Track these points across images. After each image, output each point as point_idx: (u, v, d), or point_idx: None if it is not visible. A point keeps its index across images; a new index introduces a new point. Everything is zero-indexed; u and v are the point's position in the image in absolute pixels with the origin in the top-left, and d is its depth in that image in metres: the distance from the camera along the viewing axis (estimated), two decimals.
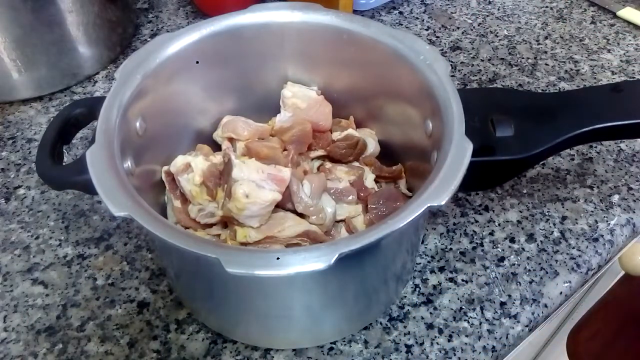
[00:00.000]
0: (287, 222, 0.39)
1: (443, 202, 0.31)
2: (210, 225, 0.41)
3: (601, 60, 0.64)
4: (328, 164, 0.46)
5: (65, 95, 0.61)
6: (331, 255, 0.28)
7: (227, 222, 0.40)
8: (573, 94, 0.48)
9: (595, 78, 0.62)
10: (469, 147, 0.33)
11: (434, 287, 0.44)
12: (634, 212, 0.49)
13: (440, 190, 0.31)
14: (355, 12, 0.66)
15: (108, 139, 0.35)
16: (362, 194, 0.43)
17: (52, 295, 0.44)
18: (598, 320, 0.84)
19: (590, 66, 0.63)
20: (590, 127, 0.40)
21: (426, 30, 0.69)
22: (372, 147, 0.47)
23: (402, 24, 0.70)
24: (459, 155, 0.33)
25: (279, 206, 0.40)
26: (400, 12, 0.72)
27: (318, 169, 0.46)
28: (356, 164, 0.46)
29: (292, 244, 0.39)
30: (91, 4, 0.59)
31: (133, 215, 0.30)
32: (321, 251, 0.29)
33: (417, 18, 0.71)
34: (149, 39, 0.68)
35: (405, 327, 0.42)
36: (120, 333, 0.41)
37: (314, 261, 0.28)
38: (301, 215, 0.40)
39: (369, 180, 0.44)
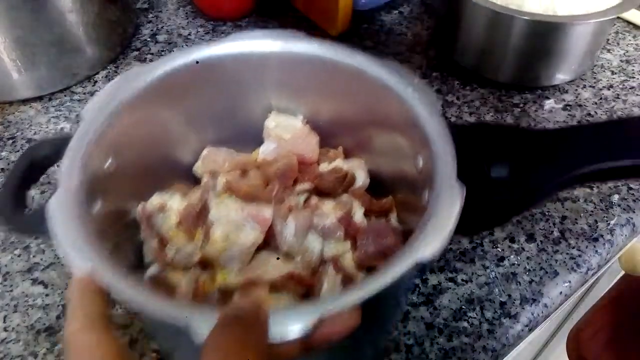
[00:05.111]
0: (270, 263, 0.37)
1: (432, 256, 0.29)
2: (189, 267, 0.39)
3: (601, 60, 0.64)
4: (314, 199, 0.43)
5: (65, 95, 0.61)
6: (309, 319, 0.26)
7: (207, 264, 0.38)
8: (571, 131, 0.45)
9: (595, 78, 0.62)
10: (461, 192, 0.31)
11: (434, 287, 0.44)
12: (634, 212, 0.49)
13: (430, 242, 0.29)
14: (355, 12, 0.66)
15: (73, 187, 0.32)
16: (351, 230, 0.41)
17: (52, 295, 0.44)
18: (598, 320, 0.85)
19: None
20: (590, 169, 0.37)
21: (426, 30, 0.69)
22: (362, 179, 0.44)
23: (402, 24, 0.70)
24: (449, 201, 0.31)
25: (262, 246, 0.38)
26: (400, 12, 0.72)
27: (304, 203, 0.43)
28: (345, 196, 0.44)
29: (276, 286, 0.37)
30: (91, 4, 0.59)
31: (97, 275, 0.28)
32: (300, 313, 0.27)
33: (417, 18, 0.71)
34: (149, 39, 0.68)
35: (405, 327, 0.42)
36: (120, 333, 0.41)
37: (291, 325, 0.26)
38: (285, 255, 0.39)
39: (358, 215, 0.42)
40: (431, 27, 0.69)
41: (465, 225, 0.31)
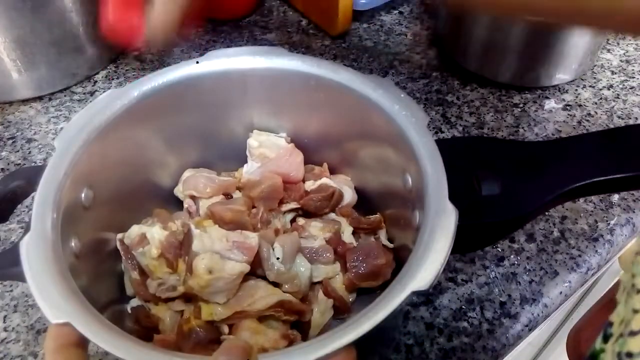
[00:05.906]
0: (258, 292, 0.36)
1: (428, 287, 0.28)
2: (173, 299, 0.38)
3: (601, 60, 0.64)
4: (301, 220, 0.43)
5: (65, 95, 0.61)
6: None
7: (191, 296, 0.37)
8: (562, 143, 0.43)
9: (595, 78, 0.62)
10: (454, 216, 0.31)
11: (434, 287, 0.44)
12: (634, 212, 0.49)
13: (424, 271, 0.29)
14: (355, 12, 0.66)
15: (46, 227, 0.31)
16: (340, 250, 0.40)
17: None
18: (598, 320, 0.84)
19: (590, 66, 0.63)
20: (583, 182, 0.37)
21: (426, 30, 0.69)
22: (349, 196, 0.43)
23: (402, 24, 0.70)
24: (442, 227, 0.30)
25: (249, 273, 0.37)
26: (400, 12, 0.72)
27: (291, 223, 0.43)
28: (332, 215, 0.43)
29: (265, 316, 0.36)
30: (91, 4, 0.59)
31: (73, 324, 0.27)
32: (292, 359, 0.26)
33: (417, 18, 0.71)
34: None
35: (405, 327, 0.42)
36: None
37: None
38: (274, 282, 0.38)
39: (347, 234, 0.42)
40: (431, 27, 0.69)
41: (456, 245, 0.30)
